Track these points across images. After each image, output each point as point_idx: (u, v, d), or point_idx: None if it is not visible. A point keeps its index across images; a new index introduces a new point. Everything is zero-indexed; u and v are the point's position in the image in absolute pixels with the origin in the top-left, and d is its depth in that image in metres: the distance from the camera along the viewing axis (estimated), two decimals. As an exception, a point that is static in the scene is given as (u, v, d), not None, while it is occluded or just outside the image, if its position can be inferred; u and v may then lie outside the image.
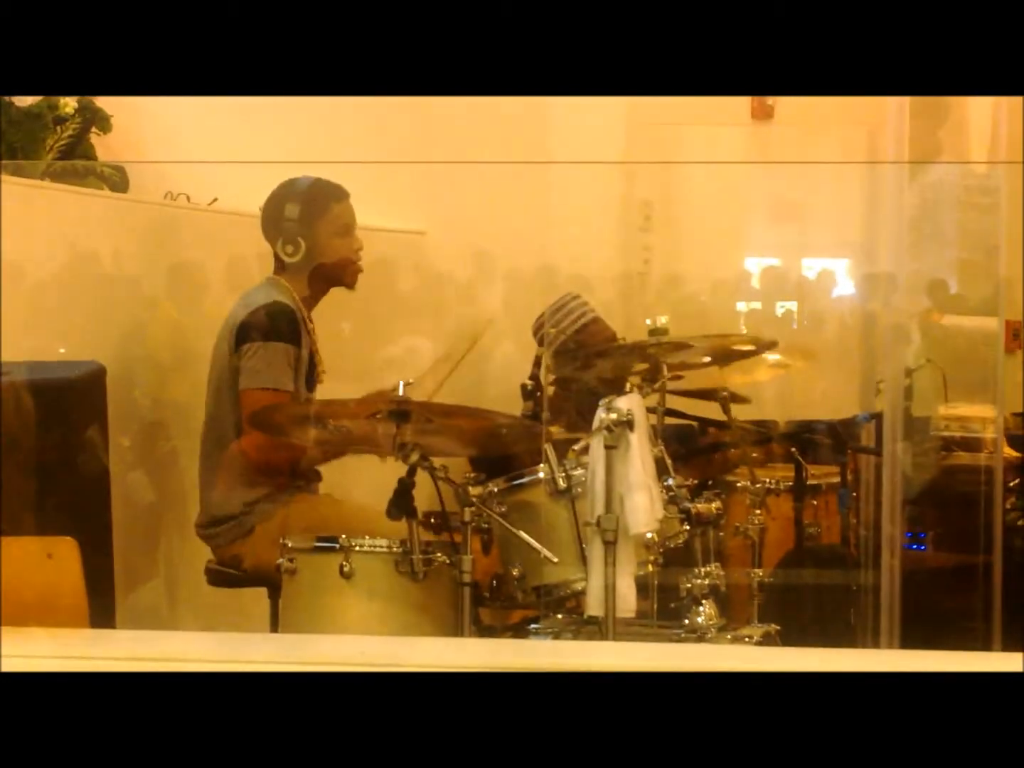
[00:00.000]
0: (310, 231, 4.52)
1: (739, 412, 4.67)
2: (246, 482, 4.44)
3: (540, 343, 4.97)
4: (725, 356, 4.55)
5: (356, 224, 4.62)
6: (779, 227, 6.75)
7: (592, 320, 5.33)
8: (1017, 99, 4.28)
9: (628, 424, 3.68)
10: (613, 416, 3.67)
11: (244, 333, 4.39)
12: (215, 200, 5.34)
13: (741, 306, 6.75)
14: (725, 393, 4.50)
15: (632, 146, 6.16)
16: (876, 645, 4.18)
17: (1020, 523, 4.93)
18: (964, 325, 5.43)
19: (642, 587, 3.86)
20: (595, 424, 3.71)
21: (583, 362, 4.80)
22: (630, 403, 3.74)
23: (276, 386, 4.35)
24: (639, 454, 3.70)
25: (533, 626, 4.09)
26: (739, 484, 4.57)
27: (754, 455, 4.80)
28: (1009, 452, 5.00)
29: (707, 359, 4.52)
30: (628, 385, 4.10)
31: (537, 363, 4.39)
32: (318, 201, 4.56)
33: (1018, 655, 2.65)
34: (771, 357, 5.04)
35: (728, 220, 6.51)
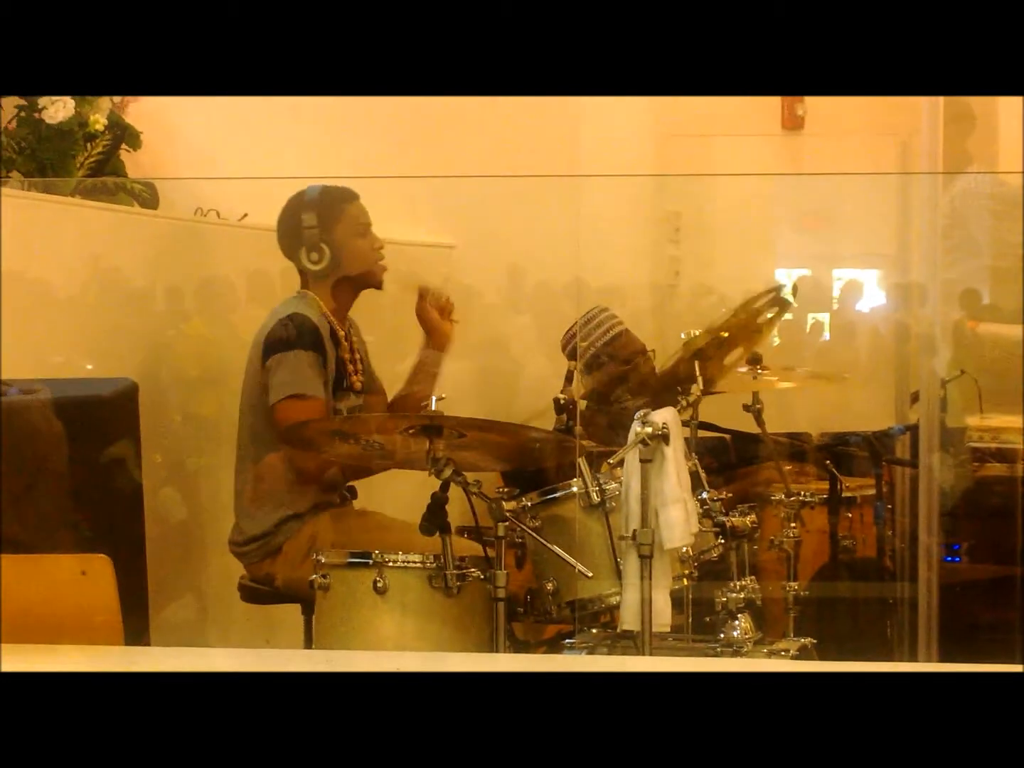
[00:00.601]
0: (330, 236, 4.52)
1: (772, 425, 4.65)
2: (278, 499, 4.44)
3: (569, 357, 4.96)
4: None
5: (371, 223, 4.61)
6: (810, 238, 6.73)
7: (621, 332, 5.30)
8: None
9: (663, 437, 3.66)
10: (648, 429, 3.66)
11: (267, 348, 4.39)
12: (245, 216, 5.34)
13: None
14: (759, 406, 4.47)
15: (662, 158, 6.15)
16: (913, 659, 4.16)
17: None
18: (1000, 333, 5.40)
19: (677, 601, 3.86)
20: (630, 437, 3.69)
21: (619, 375, 4.79)
22: (665, 416, 3.72)
23: (304, 392, 4.34)
24: (675, 467, 3.69)
25: (568, 641, 4.08)
26: (774, 497, 4.55)
27: (788, 468, 4.79)
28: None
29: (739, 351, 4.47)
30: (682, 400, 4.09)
31: (569, 377, 4.37)
32: (332, 206, 4.56)
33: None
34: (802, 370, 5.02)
35: (758, 231, 6.49)
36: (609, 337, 5.27)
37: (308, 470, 4.42)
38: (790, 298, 4.79)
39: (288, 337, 4.38)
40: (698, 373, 4.11)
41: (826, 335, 6.56)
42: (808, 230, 6.72)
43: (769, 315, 4.64)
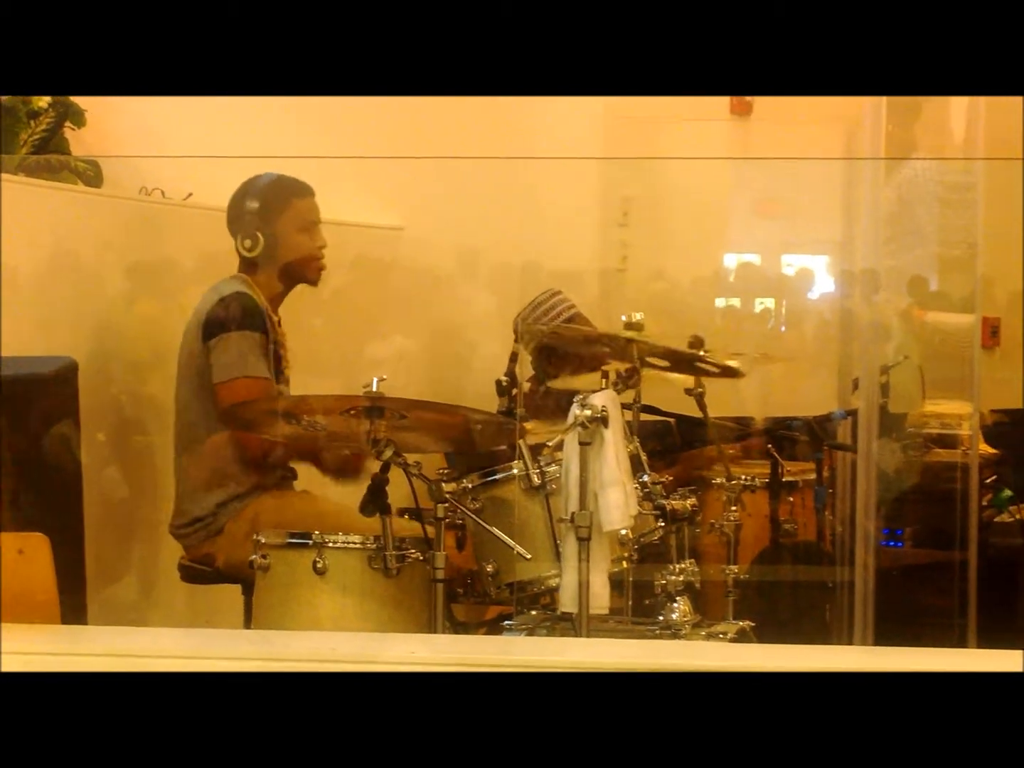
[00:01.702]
0: (270, 226, 4.50)
1: (715, 408, 4.65)
2: (217, 481, 4.42)
3: (523, 340, 4.96)
4: (688, 367, 4.50)
5: (320, 221, 4.60)
6: (758, 223, 6.75)
7: (572, 317, 5.30)
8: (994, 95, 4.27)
9: (602, 420, 3.67)
10: (587, 412, 3.66)
11: (210, 327, 4.37)
12: (190, 195, 5.32)
13: (720, 302, 6.74)
14: (700, 390, 4.47)
15: (611, 142, 6.15)
16: (851, 642, 4.18)
17: (996, 520, 4.94)
18: (946, 321, 5.43)
19: (617, 584, 3.86)
20: (569, 420, 3.70)
21: (560, 358, 4.78)
22: (605, 399, 3.73)
23: (251, 374, 4.32)
24: (613, 450, 3.70)
25: (507, 623, 4.07)
26: (715, 481, 4.56)
27: (730, 451, 4.80)
28: (986, 449, 5.01)
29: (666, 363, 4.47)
30: (603, 381, 4.07)
31: (513, 359, 4.37)
32: (279, 197, 4.55)
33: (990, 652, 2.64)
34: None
35: (707, 216, 6.50)
36: (558, 321, 5.27)
37: (250, 450, 4.40)
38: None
39: (231, 317, 4.36)
40: (635, 356, 4.11)
41: (771, 321, 6.58)
42: (759, 215, 6.74)
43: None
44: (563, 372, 4.71)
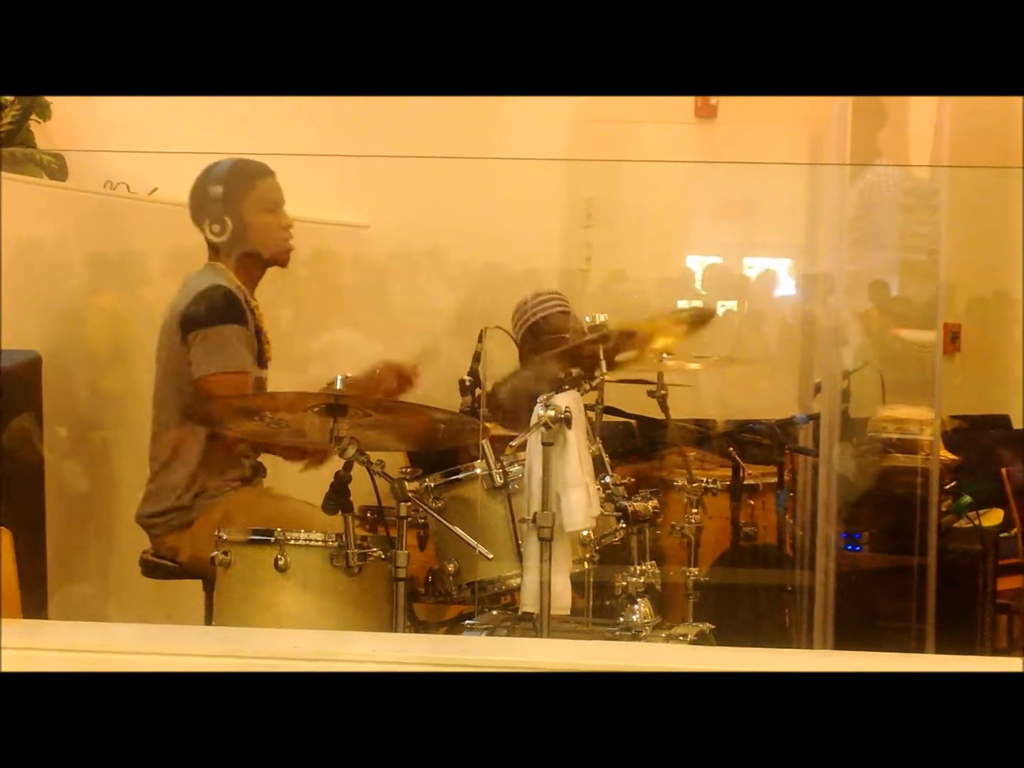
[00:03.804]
0: (236, 210, 4.50)
1: (677, 411, 4.67)
2: (194, 473, 4.42)
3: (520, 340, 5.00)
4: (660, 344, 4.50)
5: (283, 201, 4.59)
6: (722, 226, 6.77)
7: (545, 317, 5.33)
8: (958, 101, 4.30)
9: (565, 421, 3.67)
10: (551, 413, 3.67)
11: (189, 321, 4.36)
12: (155, 190, 5.31)
13: (683, 304, 6.76)
14: (663, 392, 4.49)
15: (576, 143, 6.16)
16: (810, 645, 4.20)
17: (955, 525, 4.97)
18: (911, 338, 5.46)
19: (578, 584, 3.86)
20: (532, 420, 3.70)
21: (524, 357, 4.80)
22: (568, 400, 3.74)
23: (229, 368, 4.32)
24: (576, 451, 3.71)
25: (468, 622, 4.08)
26: (676, 483, 4.58)
27: (692, 454, 4.81)
28: (945, 455, 5.04)
29: (634, 353, 4.47)
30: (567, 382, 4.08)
31: (476, 358, 4.37)
32: (242, 180, 4.54)
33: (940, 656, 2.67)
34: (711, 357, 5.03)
35: (671, 218, 6.52)
36: (531, 321, 5.30)
37: (228, 445, 4.40)
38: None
39: (210, 310, 4.35)
40: (601, 357, 4.11)
41: (734, 323, 6.60)
42: (723, 218, 6.76)
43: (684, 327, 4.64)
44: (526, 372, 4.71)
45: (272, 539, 3.80)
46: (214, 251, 4.53)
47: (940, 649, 4.23)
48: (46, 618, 4.11)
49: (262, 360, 4.50)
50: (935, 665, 3.07)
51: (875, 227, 5.41)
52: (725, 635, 4.16)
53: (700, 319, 4.59)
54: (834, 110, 4.48)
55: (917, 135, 5.33)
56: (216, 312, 4.35)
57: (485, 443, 3.96)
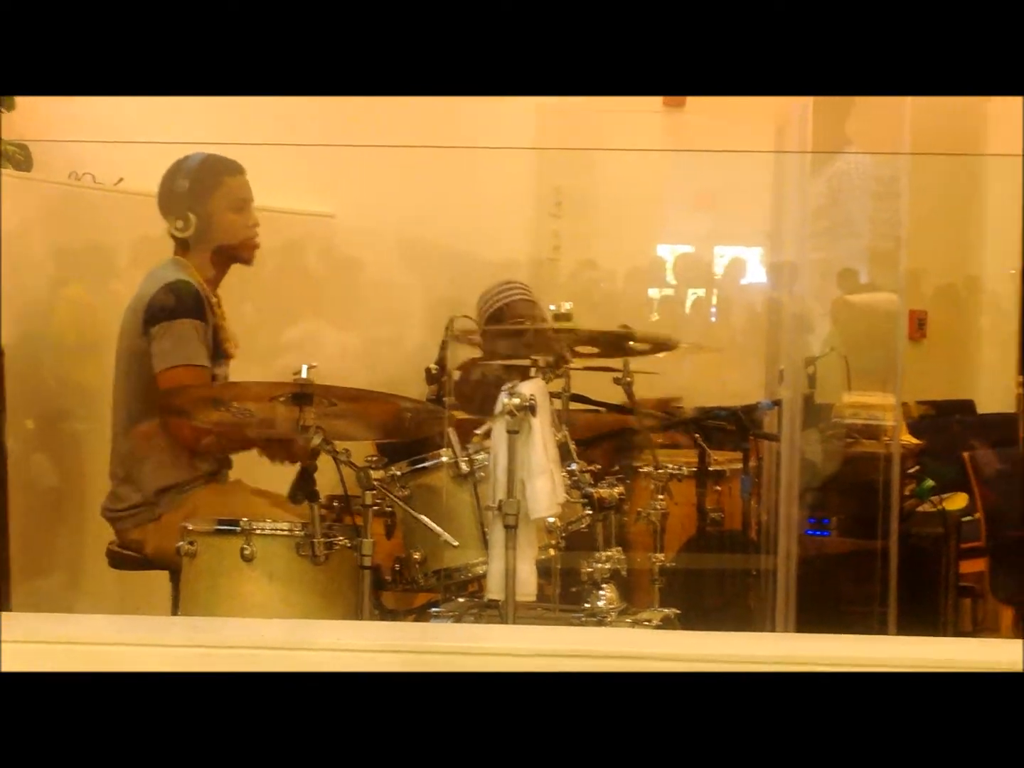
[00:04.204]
0: (201, 206, 4.50)
1: (646, 396, 4.69)
2: (160, 468, 4.42)
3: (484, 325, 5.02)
4: (619, 349, 4.52)
5: (252, 199, 4.60)
6: (689, 215, 6.79)
7: (507, 304, 5.36)
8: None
9: (530, 409, 3.69)
10: (515, 401, 3.68)
11: (151, 315, 4.37)
12: (121, 180, 5.30)
13: (653, 292, 6.79)
14: (629, 379, 4.50)
15: (544, 132, 6.17)
16: (773, 629, 4.22)
17: (918, 509, 5.00)
18: (869, 303, 5.49)
19: (544, 571, 3.88)
20: (497, 409, 3.72)
21: (487, 346, 4.81)
22: (533, 388, 3.75)
23: (190, 362, 4.33)
24: (541, 439, 3.72)
25: (434, 609, 4.09)
26: (642, 469, 4.60)
27: (658, 440, 4.83)
28: (909, 439, 5.07)
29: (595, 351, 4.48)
30: (532, 370, 4.09)
31: (443, 347, 4.38)
32: (210, 176, 4.55)
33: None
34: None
35: (639, 207, 6.53)
36: (496, 307, 5.33)
37: (190, 439, 4.40)
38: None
39: (173, 304, 4.36)
40: (567, 346, 4.13)
41: (701, 311, 6.63)
42: (691, 207, 6.78)
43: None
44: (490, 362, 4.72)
45: (238, 529, 3.81)
46: (179, 245, 4.53)
47: (902, 632, 4.25)
48: (9, 610, 4.11)
49: (222, 356, 4.50)
50: (893, 647, 3.10)
51: (844, 215, 5.43)
52: (691, 620, 4.19)
53: (663, 347, 4.60)
54: (795, 100, 4.50)
55: (885, 122, 5.35)
56: (178, 306, 4.36)
57: (451, 431, 3.97)
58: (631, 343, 4.39)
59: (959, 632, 5.13)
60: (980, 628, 5.40)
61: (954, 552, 5.07)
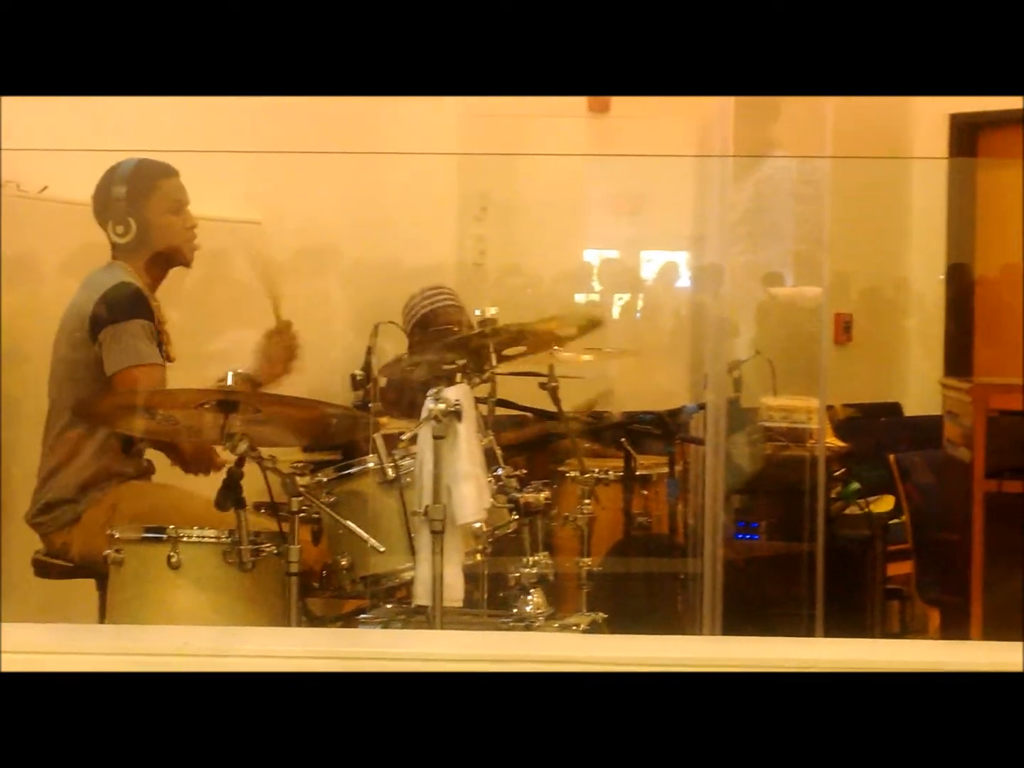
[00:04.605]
0: (140, 210, 4.49)
1: (569, 403, 4.70)
2: (81, 468, 4.41)
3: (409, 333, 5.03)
4: (549, 343, 4.53)
5: (188, 201, 4.59)
6: (616, 219, 6.82)
7: (433, 311, 5.37)
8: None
9: (455, 414, 3.70)
10: (441, 406, 3.69)
11: (98, 320, 4.35)
12: (45, 188, 5.26)
13: (579, 298, 6.81)
14: (554, 383, 4.51)
15: (468, 138, 6.18)
16: (700, 632, 4.25)
17: (845, 512, 5.05)
18: (793, 296, 5.53)
19: (471, 576, 3.90)
20: (423, 414, 3.73)
21: (412, 351, 4.82)
22: (458, 393, 3.76)
23: (145, 361, 4.31)
24: (467, 444, 3.73)
25: (363, 616, 4.10)
26: (569, 474, 4.62)
27: (584, 445, 4.85)
28: (835, 442, 5.11)
29: (523, 348, 4.49)
30: (457, 375, 4.10)
31: (369, 353, 4.39)
32: (145, 179, 4.54)
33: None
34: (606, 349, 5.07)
35: (566, 212, 6.55)
36: (420, 314, 5.35)
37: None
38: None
39: (120, 306, 4.35)
40: (492, 351, 4.14)
41: (629, 316, 6.66)
42: (616, 211, 6.81)
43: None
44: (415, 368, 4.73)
45: (164, 536, 3.80)
46: (117, 250, 4.52)
47: (830, 634, 4.29)
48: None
49: (164, 359, 4.50)
50: (818, 649, 3.13)
51: (769, 218, 5.47)
52: (618, 624, 4.21)
53: (589, 325, 4.62)
54: (716, 104, 4.53)
55: (808, 125, 5.39)
56: (126, 308, 4.35)
57: (377, 437, 3.97)
58: (558, 331, 4.41)
59: (886, 634, 5.17)
60: (908, 630, 5.44)
61: (881, 554, 5.12)
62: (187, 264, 4.62)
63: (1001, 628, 3.75)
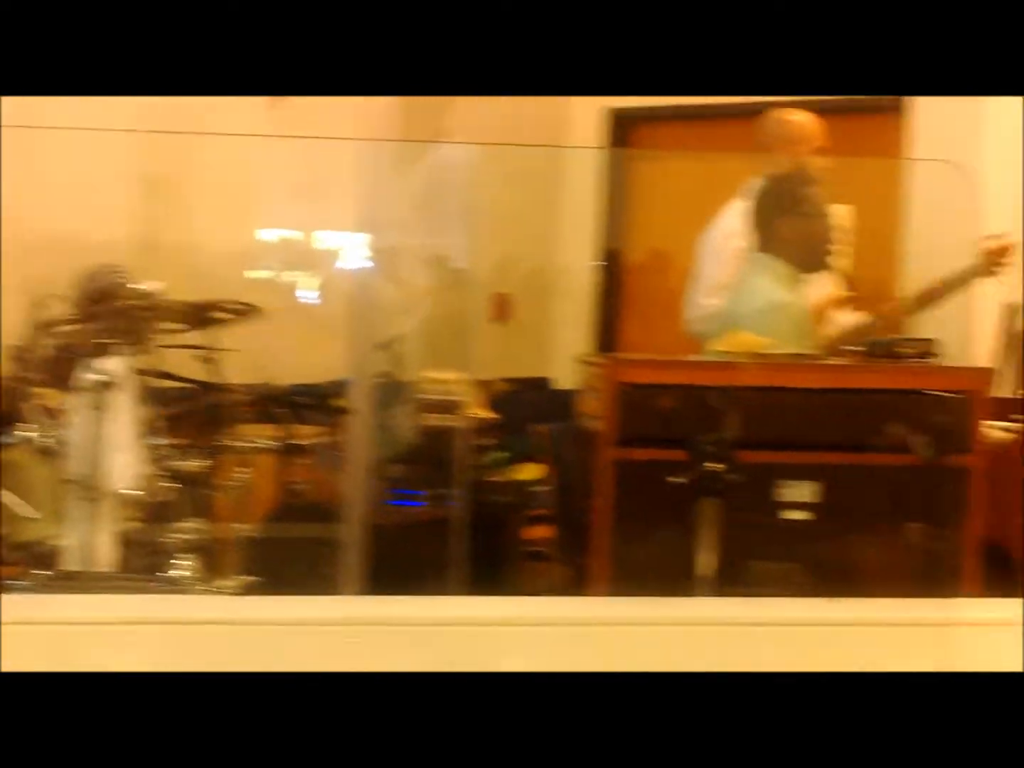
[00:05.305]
0: None
1: (232, 374, 4.81)
2: None
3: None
4: (205, 320, 4.63)
5: None
6: (289, 202, 6.91)
7: (104, 286, 5.41)
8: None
9: (110, 385, 3.78)
10: (96, 377, 3.77)
11: None
12: None
13: (251, 275, 6.89)
14: (215, 356, 4.62)
15: (145, 115, 6.20)
16: (345, 594, 4.40)
17: (492, 479, 5.26)
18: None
19: (126, 543, 3.97)
20: (80, 384, 3.80)
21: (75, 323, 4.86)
22: (114, 364, 3.85)
23: None
24: (124, 414, 3.82)
25: (12, 582, 4.13)
26: (228, 443, 4.73)
27: (244, 415, 4.96)
28: (486, 414, 5.32)
29: (183, 326, 4.59)
30: (114, 346, 4.17)
31: (32, 326, 4.42)
32: None
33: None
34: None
35: (240, 193, 6.63)
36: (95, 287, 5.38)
37: None
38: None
39: None
40: (152, 324, 4.23)
41: (295, 292, 6.78)
42: (292, 195, 6.90)
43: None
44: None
45: None
46: None
47: (475, 592, 4.47)
48: None
49: None
50: (456, 606, 3.31)
51: (436, 202, 5.65)
52: (272, 587, 4.33)
53: (242, 314, 4.73)
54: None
55: (474, 114, 5.57)
56: None
57: (33, 407, 4.03)
58: (214, 314, 4.51)
59: (531, 592, 5.35)
60: (548, 589, 5.65)
61: (524, 519, 5.34)
62: None
63: (632, 586, 3.92)
